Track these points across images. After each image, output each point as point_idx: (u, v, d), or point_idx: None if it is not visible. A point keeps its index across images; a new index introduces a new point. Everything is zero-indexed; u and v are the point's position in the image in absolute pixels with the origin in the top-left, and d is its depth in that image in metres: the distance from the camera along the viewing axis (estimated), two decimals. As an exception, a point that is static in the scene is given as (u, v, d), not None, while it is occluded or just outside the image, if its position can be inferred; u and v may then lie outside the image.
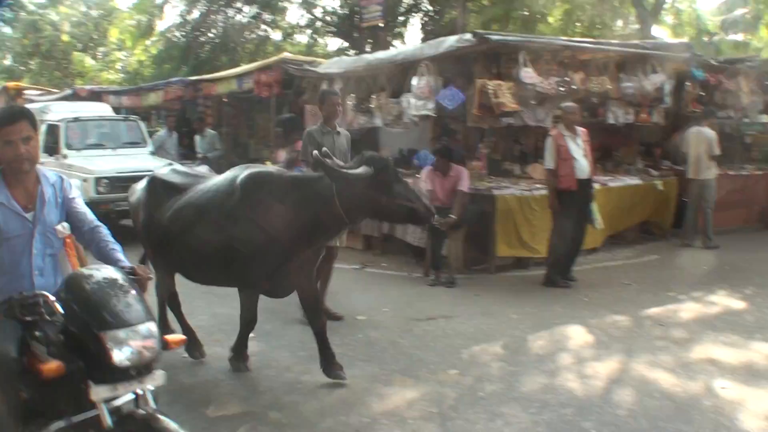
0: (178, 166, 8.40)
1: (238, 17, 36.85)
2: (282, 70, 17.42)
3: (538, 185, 12.47)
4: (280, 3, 37.38)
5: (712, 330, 9.12)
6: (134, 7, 38.92)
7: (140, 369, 4.14)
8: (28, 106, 14.88)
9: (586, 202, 11.44)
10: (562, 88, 13.01)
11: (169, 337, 4.70)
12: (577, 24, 32.97)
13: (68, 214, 4.96)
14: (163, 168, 8.26)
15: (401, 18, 36.05)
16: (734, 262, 13.04)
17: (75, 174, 14.44)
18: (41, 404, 4.43)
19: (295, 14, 44.98)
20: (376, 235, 13.93)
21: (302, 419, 6.34)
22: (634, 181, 14.74)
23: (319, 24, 38.15)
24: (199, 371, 7.66)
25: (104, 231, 4.98)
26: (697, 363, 7.89)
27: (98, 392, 4.03)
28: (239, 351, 7.57)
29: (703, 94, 16.09)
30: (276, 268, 6.88)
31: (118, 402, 4.16)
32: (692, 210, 14.72)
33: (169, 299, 8.11)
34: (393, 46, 31.11)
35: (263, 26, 38.00)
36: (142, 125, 18.45)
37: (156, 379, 4.25)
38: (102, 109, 19.66)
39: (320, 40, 39.64)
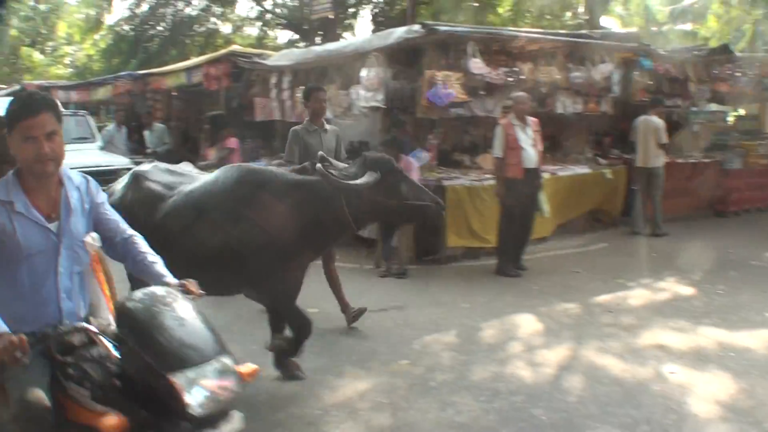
0: (159, 164, 7.80)
1: (188, 10, 36.76)
2: (231, 63, 17.35)
3: (487, 175, 12.52)
4: (229, -5, 37.16)
5: (660, 316, 9.23)
6: (82, 0, 38.61)
7: (217, 415, 3.51)
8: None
9: (534, 192, 11.52)
10: (510, 79, 13.06)
11: (242, 369, 3.79)
12: (527, 14, 33.08)
13: (96, 222, 4.23)
14: (145, 165, 7.74)
15: (351, 10, 36.09)
16: (683, 249, 13.14)
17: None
18: None
19: (244, 6, 45.03)
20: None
21: (254, 412, 6.28)
22: (583, 170, 14.83)
23: (269, 16, 38.07)
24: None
25: (140, 241, 4.31)
26: (646, 348, 7.98)
27: None
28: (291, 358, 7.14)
29: (651, 83, 16.19)
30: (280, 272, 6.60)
31: None
32: (641, 198, 14.83)
33: None
34: (343, 38, 31.11)
35: (213, 19, 37.96)
36: (91, 120, 18.38)
37: (234, 424, 3.61)
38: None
39: (270, 33, 39.62)
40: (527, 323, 9.01)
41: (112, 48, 37.15)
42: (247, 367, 3.90)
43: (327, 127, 9.34)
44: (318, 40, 31.04)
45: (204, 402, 3.37)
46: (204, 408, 3.38)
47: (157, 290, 3.80)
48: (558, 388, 6.87)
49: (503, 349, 8.03)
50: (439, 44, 12.93)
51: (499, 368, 7.40)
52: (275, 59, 16.48)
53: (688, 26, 34.84)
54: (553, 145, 15.50)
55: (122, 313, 3.69)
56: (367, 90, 12.91)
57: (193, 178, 7.10)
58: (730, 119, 23.46)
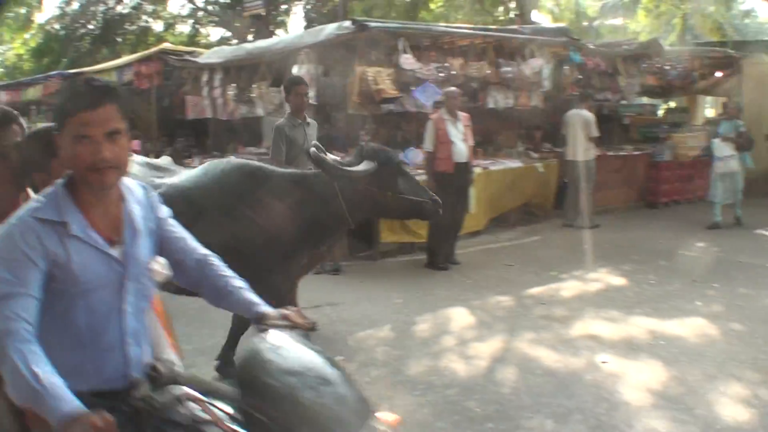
0: (137, 157, 7.47)
1: (119, 8, 36.39)
2: (162, 61, 17.22)
3: (419, 170, 12.56)
4: (161, -7, 36.90)
5: (592, 306, 9.32)
6: (13, -1, 38.17)
7: None
8: None
9: (465, 186, 11.59)
10: (441, 74, 13.13)
11: (389, 420, 2.85)
12: (459, 10, 33.23)
13: (162, 242, 3.32)
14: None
15: (284, 6, 35.98)
16: (614, 241, 13.31)
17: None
18: None
19: (176, 4, 44.60)
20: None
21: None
22: (515, 164, 14.95)
23: (201, 14, 37.84)
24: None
25: (216, 261, 3.44)
26: (579, 339, 8.06)
27: None
28: None
29: (581, 77, 16.34)
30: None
31: None
32: (572, 191, 14.94)
33: None
34: (276, 35, 31.01)
35: (144, 17, 37.55)
36: (22, 121, 18.09)
37: None
38: (-22, 105, 19.10)
39: (202, 30, 39.27)
40: (461, 317, 9.05)
41: (42, 47, 36.66)
42: (391, 417, 2.93)
43: (309, 120, 9.27)
44: (250, 37, 30.90)
45: None
46: None
47: (283, 340, 2.88)
48: (491, 380, 6.90)
49: (437, 343, 8.05)
50: (370, 40, 12.95)
51: (433, 362, 7.42)
52: (206, 57, 16.39)
53: (618, 21, 35.27)
54: (485, 139, 15.59)
55: (250, 378, 2.70)
56: (299, 87, 12.90)
57: (174, 172, 6.86)
58: (660, 112, 23.80)
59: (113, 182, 2.97)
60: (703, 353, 7.56)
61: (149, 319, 3.33)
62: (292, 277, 6.87)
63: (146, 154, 12.99)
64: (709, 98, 25.00)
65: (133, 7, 36.61)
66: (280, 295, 6.24)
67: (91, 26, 36.23)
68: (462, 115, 11.65)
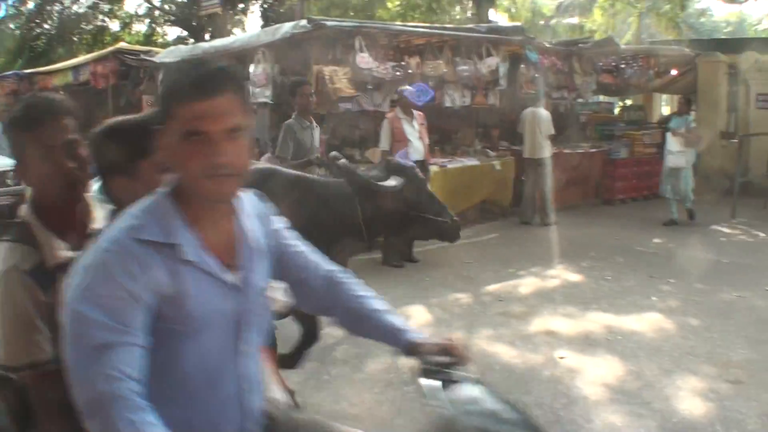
0: None
1: (75, 7, 36.05)
2: (118, 61, 17.17)
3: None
4: (118, -8, 36.65)
5: (550, 303, 9.38)
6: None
7: None
8: None
9: (421, 184, 11.61)
10: (398, 73, 13.16)
11: None
12: (416, 9, 33.27)
13: (280, 261, 2.66)
14: None
15: (241, 5, 35.81)
16: (571, 237, 13.37)
17: None
18: None
19: (133, 3, 44.33)
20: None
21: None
22: (472, 162, 14.95)
23: (157, 13, 37.63)
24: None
25: (346, 278, 2.84)
26: (537, 335, 8.11)
27: None
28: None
29: (537, 75, 16.40)
30: None
31: None
32: (529, 188, 15.02)
33: None
34: (233, 34, 30.90)
35: (101, 16, 37.26)
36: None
37: None
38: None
39: (159, 30, 39.04)
40: (419, 314, 9.06)
41: (-4, 47, 36.41)
42: None
43: (315, 124, 9.33)
44: (207, 36, 30.82)
45: None
46: None
47: (475, 392, 2.39)
48: (450, 377, 6.90)
49: (396, 341, 8.03)
50: (326, 39, 12.94)
51: (392, 360, 7.41)
52: (162, 56, 16.34)
53: (574, 19, 35.45)
54: (443, 138, 15.64)
55: None
56: (255, 86, 12.87)
57: None
58: (617, 110, 23.98)
59: (233, 193, 2.34)
60: (659, 348, 7.63)
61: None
62: None
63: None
64: (665, 96, 25.23)
65: (90, 7, 36.27)
66: None
67: (47, 26, 35.90)
68: (417, 113, 11.68)
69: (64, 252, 2.82)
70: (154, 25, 38.51)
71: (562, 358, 7.37)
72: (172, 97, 2.22)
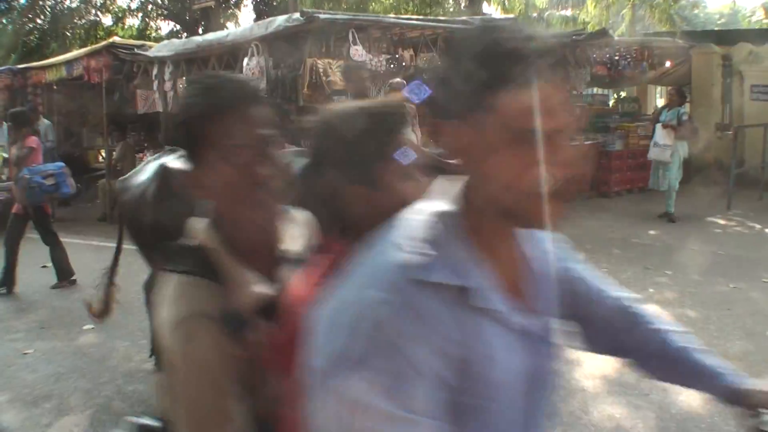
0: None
1: (68, 2, 35.98)
2: (112, 55, 17.08)
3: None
4: (110, -14, 36.57)
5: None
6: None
7: None
8: None
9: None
10: (391, 66, 13.11)
11: None
12: (409, 1, 33.19)
13: (566, 293, 1.88)
14: (171, 157, 6.11)
15: (234, -1, 35.81)
16: (567, 230, 13.28)
17: None
18: None
19: (126, -3, 44.15)
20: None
21: (147, 407, 6.22)
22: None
23: (150, 7, 37.53)
24: (39, 366, 7.48)
25: (641, 307, 2.10)
26: (532, 328, 8.07)
27: None
28: None
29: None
30: None
31: None
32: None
33: None
34: (226, 27, 30.84)
35: (93, 11, 37.16)
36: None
37: None
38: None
39: (152, 24, 38.96)
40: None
41: (-11, 42, 36.31)
42: None
43: None
44: (201, 30, 30.75)
45: None
46: None
47: None
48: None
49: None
50: (320, 32, 12.90)
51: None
52: (156, 50, 16.25)
53: (567, 11, 35.38)
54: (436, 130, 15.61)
55: None
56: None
57: None
58: (611, 102, 23.97)
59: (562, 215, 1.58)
60: (656, 340, 7.60)
61: None
62: None
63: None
64: (659, 88, 25.23)
65: (82, 1, 36.14)
66: None
67: (39, 21, 35.81)
68: (409, 106, 11.61)
69: (258, 287, 2.10)
70: (147, 19, 38.42)
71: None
72: (492, 80, 1.46)
